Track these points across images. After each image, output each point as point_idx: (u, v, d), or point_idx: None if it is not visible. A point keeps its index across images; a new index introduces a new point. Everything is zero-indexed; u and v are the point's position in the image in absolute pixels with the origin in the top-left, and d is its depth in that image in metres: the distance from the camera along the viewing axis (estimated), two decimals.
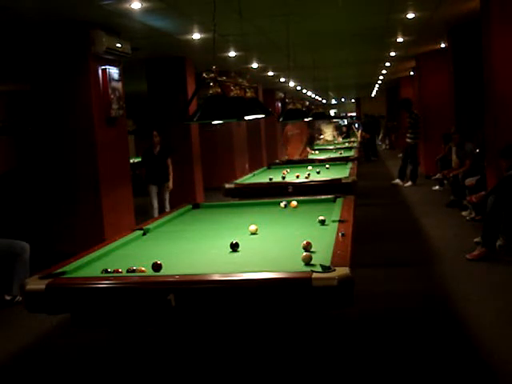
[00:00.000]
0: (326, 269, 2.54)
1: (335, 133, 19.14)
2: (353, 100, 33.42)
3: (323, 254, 2.95)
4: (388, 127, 22.34)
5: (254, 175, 7.73)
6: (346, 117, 34.59)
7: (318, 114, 12.76)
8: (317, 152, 12.04)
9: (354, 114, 32.83)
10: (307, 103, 18.31)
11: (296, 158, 10.22)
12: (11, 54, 8.09)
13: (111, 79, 7.10)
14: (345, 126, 20.32)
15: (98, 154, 6.91)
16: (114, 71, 7.19)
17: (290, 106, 8.29)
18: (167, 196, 8.50)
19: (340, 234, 3.32)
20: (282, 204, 4.94)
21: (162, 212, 7.75)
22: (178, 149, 10.21)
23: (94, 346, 4.04)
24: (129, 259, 3.26)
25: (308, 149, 11.13)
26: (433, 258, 5.91)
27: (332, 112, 32.80)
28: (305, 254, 2.90)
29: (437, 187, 10.62)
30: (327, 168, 8.12)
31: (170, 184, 8.43)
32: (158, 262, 2.93)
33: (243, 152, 14.20)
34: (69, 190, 7.02)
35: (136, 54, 8.19)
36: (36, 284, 2.75)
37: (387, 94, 24.68)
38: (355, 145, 14.74)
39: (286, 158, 9.93)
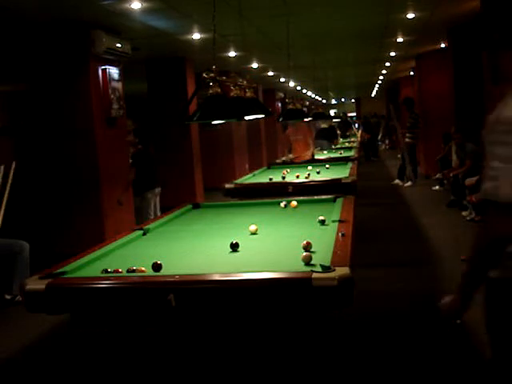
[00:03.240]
0: (325, 269, 2.54)
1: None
2: (353, 100, 33.41)
3: (323, 254, 2.95)
4: (389, 127, 22.32)
5: (253, 175, 7.72)
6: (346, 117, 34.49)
7: (318, 114, 12.75)
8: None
9: (354, 114, 32.78)
10: (307, 103, 18.26)
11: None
12: (11, 54, 8.08)
13: (111, 79, 7.10)
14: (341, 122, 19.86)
15: (98, 154, 6.91)
16: (114, 71, 7.19)
17: (290, 106, 8.28)
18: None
19: (340, 234, 3.32)
20: (282, 204, 4.93)
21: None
22: (177, 149, 10.23)
23: (93, 346, 4.04)
24: (129, 259, 3.26)
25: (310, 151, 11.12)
26: (433, 258, 5.92)
27: (332, 112, 32.80)
28: (305, 253, 2.90)
29: (437, 187, 10.62)
30: (327, 168, 8.11)
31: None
32: (158, 262, 2.93)
33: (243, 152, 14.20)
34: (69, 190, 7.02)
35: (136, 54, 8.19)
36: (36, 284, 2.75)
37: (387, 94, 24.67)
38: (355, 145, 14.74)
39: (291, 156, 9.83)
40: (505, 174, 1.70)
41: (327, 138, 14.04)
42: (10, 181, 5.65)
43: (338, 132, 17.19)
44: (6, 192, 5.62)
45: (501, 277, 1.82)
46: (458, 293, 1.96)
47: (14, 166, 5.79)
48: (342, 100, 33.76)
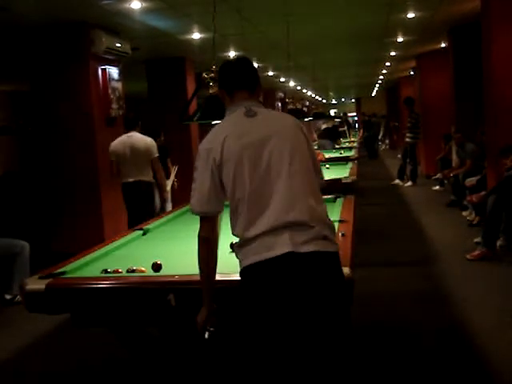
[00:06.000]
0: None
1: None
2: (353, 100, 33.41)
3: None
4: (390, 127, 22.29)
5: None
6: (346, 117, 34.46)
7: (318, 114, 12.74)
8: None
9: (353, 114, 32.75)
10: (307, 103, 18.27)
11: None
12: (12, 54, 8.09)
13: (111, 79, 7.10)
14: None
15: (97, 154, 6.91)
16: (113, 71, 7.19)
17: (290, 106, 8.28)
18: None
19: (340, 234, 3.31)
20: None
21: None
22: (177, 149, 10.22)
23: (94, 346, 4.04)
24: (129, 259, 3.26)
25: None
26: (433, 257, 5.91)
27: (332, 112, 32.81)
28: None
29: (437, 187, 10.62)
30: (327, 168, 8.10)
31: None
32: (158, 262, 2.93)
33: None
34: (68, 190, 7.02)
35: (136, 54, 8.19)
36: (36, 284, 2.74)
37: (387, 94, 24.66)
38: (355, 145, 14.73)
39: None
40: (193, 193, 2.33)
41: (331, 137, 14.04)
42: (172, 177, 7.39)
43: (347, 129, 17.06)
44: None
45: (248, 264, 2.14)
46: (203, 303, 2.36)
47: (176, 167, 7.56)
48: (342, 100, 33.76)
